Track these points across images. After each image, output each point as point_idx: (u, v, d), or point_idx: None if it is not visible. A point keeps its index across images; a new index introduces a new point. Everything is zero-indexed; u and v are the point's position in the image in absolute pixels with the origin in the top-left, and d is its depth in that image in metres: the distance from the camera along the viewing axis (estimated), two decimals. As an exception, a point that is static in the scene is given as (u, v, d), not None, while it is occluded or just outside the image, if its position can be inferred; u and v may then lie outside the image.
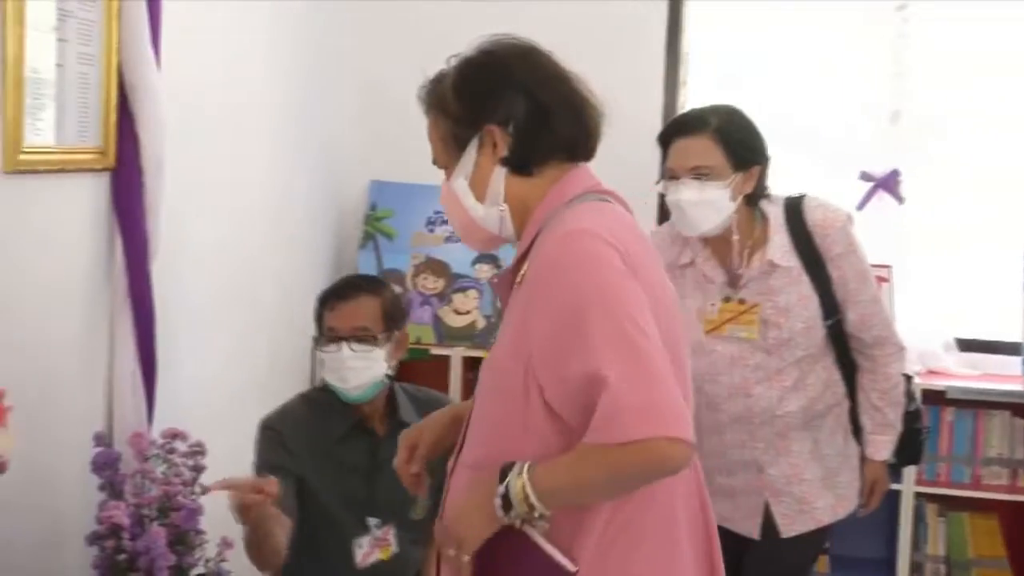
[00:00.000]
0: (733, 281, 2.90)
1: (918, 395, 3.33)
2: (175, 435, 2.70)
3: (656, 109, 4.30)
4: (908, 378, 3.09)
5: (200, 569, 2.66)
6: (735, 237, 2.85)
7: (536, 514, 1.77)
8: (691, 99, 4.37)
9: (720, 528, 2.99)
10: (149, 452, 2.66)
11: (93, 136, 2.74)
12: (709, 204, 2.79)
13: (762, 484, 2.93)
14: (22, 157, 2.47)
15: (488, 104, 1.96)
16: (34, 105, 2.52)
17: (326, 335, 2.87)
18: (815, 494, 2.93)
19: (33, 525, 2.58)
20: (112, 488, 2.59)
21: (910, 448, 3.08)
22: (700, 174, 2.78)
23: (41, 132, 2.56)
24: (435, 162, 2.10)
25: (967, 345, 4.11)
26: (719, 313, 2.91)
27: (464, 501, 1.89)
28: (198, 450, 2.70)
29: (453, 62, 2.04)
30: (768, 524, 2.95)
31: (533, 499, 1.76)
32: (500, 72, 2.00)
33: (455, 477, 2.01)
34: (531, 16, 4.32)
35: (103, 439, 2.68)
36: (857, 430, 3.01)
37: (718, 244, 2.90)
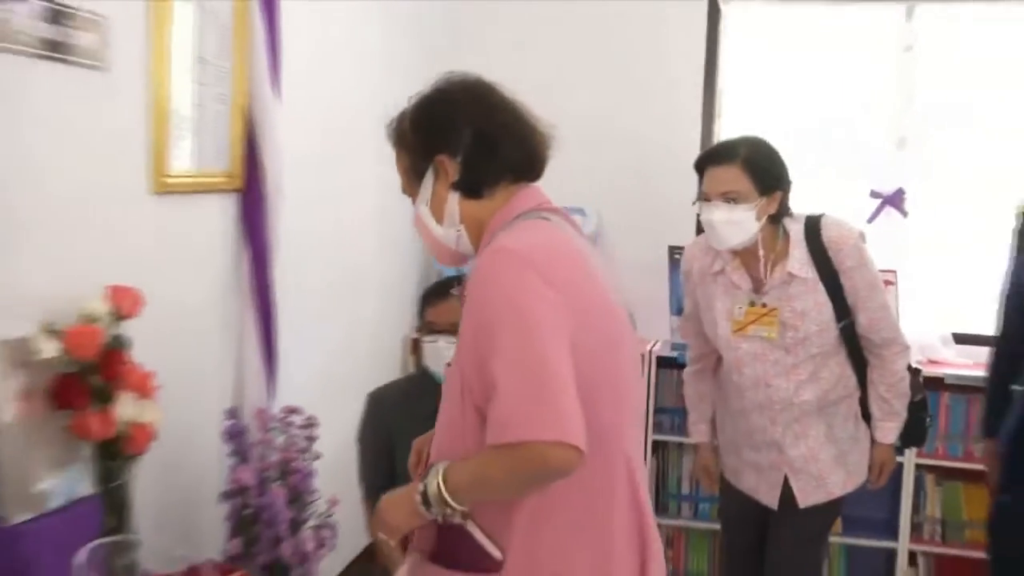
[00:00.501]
0: (757, 288, 2.85)
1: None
2: (292, 411, 2.76)
3: (695, 139, 4.31)
4: (916, 372, 3.04)
5: (313, 522, 2.72)
6: (760, 251, 2.82)
7: (450, 510, 1.71)
8: (724, 128, 4.39)
9: (746, 497, 3.00)
10: (270, 425, 2.73)
11: (224, 162, 2.82)
12: (737, 224, 2.76)
13: (783, 462, 2.90)
14: (167, 180, 2.57)
15: (438, 137, 1.89)
16: (176, 137, 2.61)
17: (426, 327, 2.86)
18: (828, 470, 2.90)
19: (178, 484, 2.66)
20: (240, 455, 2.65)
21: (915, 432, 3.03)
22: (729, 198, 2.75)
23: (182, 159, 2.65)
24: (403, 191, 2.01)
25: (962, 339, 4.04)
26: (745, 315, 2.87)
27: (395, 493, 1.83)
28: (311, 423, 2.76)
29: (413, 100, 1.97)
30: (788, 496, 2.92)
31: (447, 496, 1.69)
32: (449, 107, 1.92)
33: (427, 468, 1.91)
34: (592, 70, 4.37)
35: (234, 414, 2.74)
36: (867, 416, 2.96)
37: (745, 255, 2.86)
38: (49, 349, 2.16)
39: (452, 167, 1.87)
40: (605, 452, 1.76)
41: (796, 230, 2.83)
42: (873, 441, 2.97)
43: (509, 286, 1.71)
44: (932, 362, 3.93)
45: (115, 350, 2.23)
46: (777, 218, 2.82)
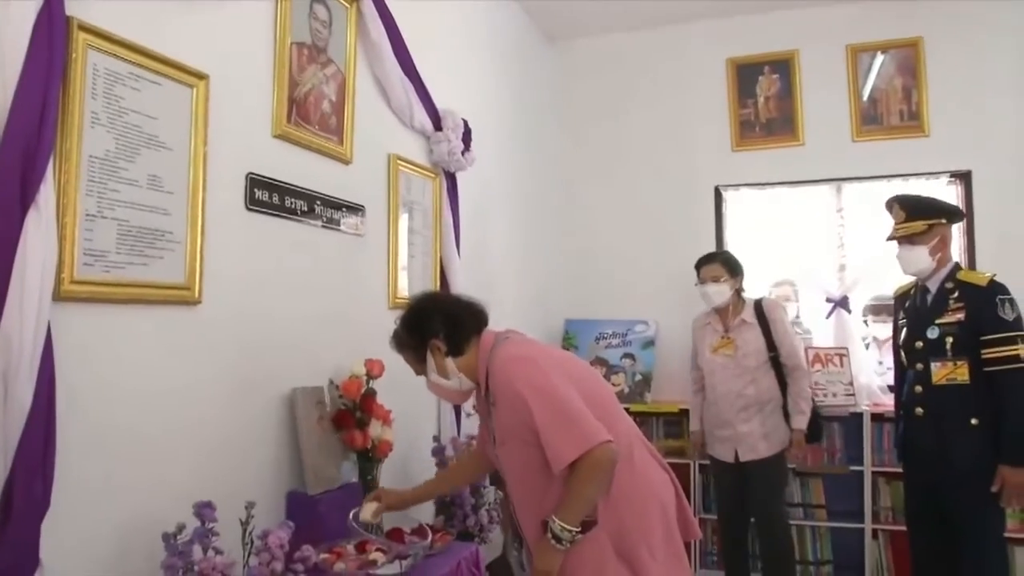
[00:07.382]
0: (725, 329, 3.25)
1: (867, 418, 3.47)
2: (473, 438, 2.73)
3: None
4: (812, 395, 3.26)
5: (486, 506, 2.67)
6: (729, 308, 3.25)
7: (570, 534, 1.69)
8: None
9: (720, 460, 3.26)
10: (459, 447, 2.75)
11: (428, 288, 2.86)
12: (720, 293, 3.22)
13: (736, 435, 3.18)
14: (397, 300, 2.70)
15: (426, 329, 1.88)
16: (401, 274, 2.77)
17: None
18: (758, 441, 3.15)
19: (405, 479, 2.66)
20: (442, 464, 2.66)
21: (814, 430, 3.20)
22: (715, 280, 3.22)
23: (404, 288, 2.77)
24: (417, 374, 1.96)
25: (892, 389, 3.87)
26: (718, 342, 3.25)
27: (539, 555, 1.75)
28: (483, 445, 2.77)
29: (400, 321, 1.94)
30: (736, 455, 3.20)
31: (568, 527, 1.68)
32: (423, 311, 1.92)
33: (521, 514, 1.89)
34: (649, 234, 4.33)
35: (437, 439, 2.78)
36: (786, 414, 3.16)
37: (720, 313, 3.28)
38: (332, 393, 2.29)
39: (441, 343, 1.87)
40: (614, 435, 1.74)
41: (749, 300, 3.27)
42: (792, 429, 3.15)
43: (523, 375, 1.73)
44: (876, 404, 3.78)
45: (369, 396, 2.33)
46: (738, 292, 3.27)
